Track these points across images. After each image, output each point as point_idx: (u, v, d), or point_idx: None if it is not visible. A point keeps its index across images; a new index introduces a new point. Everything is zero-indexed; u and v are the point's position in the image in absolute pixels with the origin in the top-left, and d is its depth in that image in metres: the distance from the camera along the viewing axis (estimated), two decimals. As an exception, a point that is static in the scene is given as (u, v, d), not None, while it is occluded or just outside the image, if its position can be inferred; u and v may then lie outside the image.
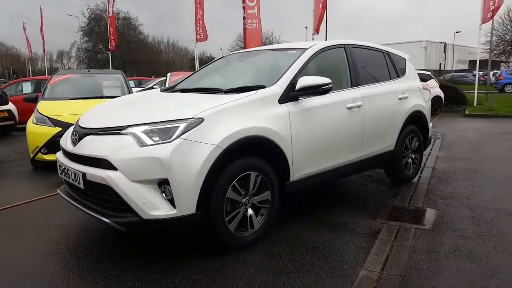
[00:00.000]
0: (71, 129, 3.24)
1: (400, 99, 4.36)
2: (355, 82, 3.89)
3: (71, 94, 6.62)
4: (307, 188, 3.44)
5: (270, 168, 3.01)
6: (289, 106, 3.14)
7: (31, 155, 5.58)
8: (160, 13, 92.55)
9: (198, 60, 15.38)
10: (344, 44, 3.98)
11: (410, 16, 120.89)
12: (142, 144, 2.56)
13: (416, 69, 5.44)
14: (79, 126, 3.08)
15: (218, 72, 4.30)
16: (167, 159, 2.47)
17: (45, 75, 23.48)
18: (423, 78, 8.44)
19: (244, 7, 11.57)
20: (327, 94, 3.32)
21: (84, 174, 2.72)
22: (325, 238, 3.13)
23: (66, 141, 3.17)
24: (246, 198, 2.89)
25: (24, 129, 6.02)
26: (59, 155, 3.22)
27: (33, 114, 5.92)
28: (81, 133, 2.95)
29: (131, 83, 14.16)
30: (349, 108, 3.66)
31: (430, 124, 5.08)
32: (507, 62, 46.36)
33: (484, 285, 2.40)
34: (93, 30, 49.67)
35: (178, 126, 2.59)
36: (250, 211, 2.92)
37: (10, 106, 9.39)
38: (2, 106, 9.16)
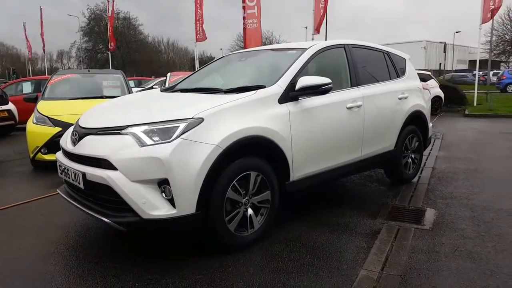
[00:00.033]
0: (71, 129, 3.24)
1: (400, 99, 4.36)
2: (355, 82, 3.89)
3: (71, 94, 6.62)
4: (307, 188, 3.44)
5: (270, 168, 3.01)
6: (289, 106, 3.14)
7: (31, 155, 5.58)
8: (160, 13, 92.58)
9: (198, 60, 15.39)
10: (344, 44, 3.98)
11: (410, 16, 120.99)
12: (142, 144, 2.56)
13: (416, 69, 5.44)
14: (79, 126, 3.08)
15: (218, 72, 4.30)
16: (167, 159, 2.47)
17: (45, 75, 23.48)
18: (423, 78, 8.44)
19: (244, 7, 11.58)
20: (327, 94, 3.32)
21: (84, 174, 2.72)
22: (325, 238, 3.13)
23: (66, 141, 3.17)
24: (246, 198, 2.89)
25: (24, 129, 6.02)
26: (59, 155, 3.22)
27: (33, 114, 5.92)
28: (81, 133, 2.95)
29: (131, 83, 14.16)
30: (349, 108, 3.67)
31: (430, 124, 5.08)
32: (507, 62, 46.36)
33: (484, 285, 2.40)
34: (93, 30, 49.69)
35: (178, 126, 2.59)
36: (250, 211, 2.92)
37: (10, 106, 9.39)
38: (2, 106, 9.17)
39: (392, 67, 4.54)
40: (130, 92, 6.95)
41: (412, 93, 4.58)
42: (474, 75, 20.49)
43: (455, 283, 2.42)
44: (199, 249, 2.96)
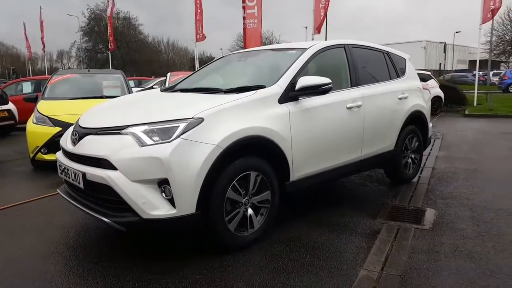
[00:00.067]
0: (71, 129, 3.24)
1: (400, 99, 4.36)
2: (355, 82, 3.89)
3: (71, 94, 6.62)
4: (307, 188, 3.45)
5: (270, 168, 3.01)
6: (289, 106, 3.14)
7: (31, 155, 5.58)
8: (160, 13, 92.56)
9: (198, 60, 15.40)
10: (344, 44, 3.98)
11: (410, 16, 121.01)
12: (142, 144, 2.56)
13: (416, 69, 5.44)
14: (79, 126, 3.08)
15: (218, 72, 4.30)
16: (167, 159, 2.47)
17: (45, 75, 23.50)
18: (423, 78, 8.44)
19: (244, 7, 11.59)
20: (327, 94, 3.32)
21: (84, 174, 2.72)
22: (325, 238, 3.13)
23: (66, 141, 3.17)
24: (246, 198, 2.89)
25: (24, 129, 6.02)
26: (59, 155, 3.22)
27: (33, 114, 5.92)
28: (81, 133, 2.95)
29: (131, 83, 14.16)
30: (349, 108, 3.67)
31: (430, 124, 5.08)
32: (507, 62, 46.37)
33: (483, 285, 2.40)
34: (93, 30, 49.70)
35: (178, 126, 2.59)
36: (250, 211, 2.92)
37: (10, 106, 9.39)
38: (2, 106, 9.17)
39: (392, 67, 4.54)
40: (130, 92, 6.94)
41: (412, 93, 4.59)
42: (474, 75, 20.49)
43: (455, 283, 2.43)
44: (199, 249, 2.96)
